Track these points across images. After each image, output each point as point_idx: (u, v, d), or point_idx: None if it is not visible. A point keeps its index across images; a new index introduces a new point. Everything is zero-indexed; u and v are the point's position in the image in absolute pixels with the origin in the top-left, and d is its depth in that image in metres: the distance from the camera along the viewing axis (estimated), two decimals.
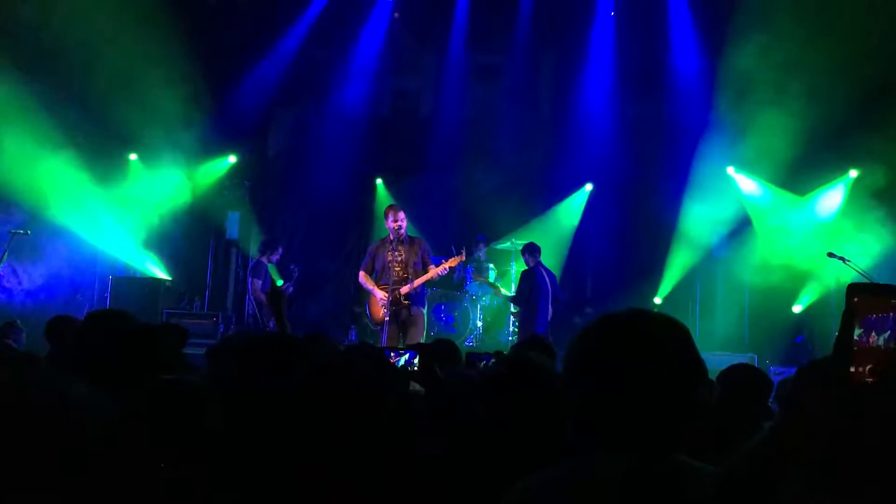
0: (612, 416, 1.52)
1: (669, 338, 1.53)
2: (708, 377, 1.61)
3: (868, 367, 1.18)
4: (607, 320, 1.59)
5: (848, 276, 8.52)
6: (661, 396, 1.48)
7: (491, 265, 11.45)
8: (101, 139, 10.42)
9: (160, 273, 11.40)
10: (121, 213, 11.06)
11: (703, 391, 1.53)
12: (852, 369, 1.19)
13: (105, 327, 3.00)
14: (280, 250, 10.43)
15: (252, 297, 10.31)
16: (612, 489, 1.48)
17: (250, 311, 10.43)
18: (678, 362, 1.50)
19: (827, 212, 11.14)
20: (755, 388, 3.65)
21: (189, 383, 2.17)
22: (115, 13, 9.54)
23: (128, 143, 10.98)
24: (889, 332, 1.19)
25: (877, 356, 1.18)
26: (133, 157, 11.21)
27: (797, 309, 11.23)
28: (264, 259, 10.24)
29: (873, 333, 1.19)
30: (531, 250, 9.82)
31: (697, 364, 1.53)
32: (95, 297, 10.75)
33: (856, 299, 1.21)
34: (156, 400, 2.08)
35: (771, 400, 3.78)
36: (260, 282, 10.12)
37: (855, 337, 1.19)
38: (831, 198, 11.20)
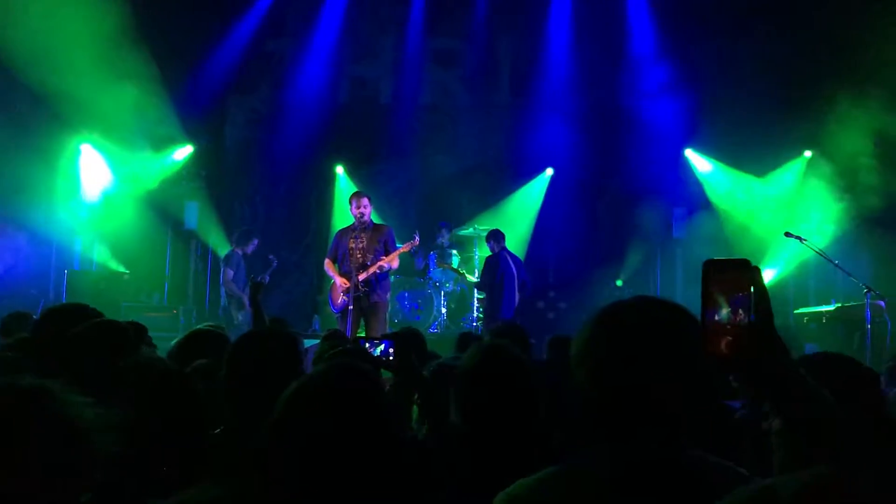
0: (606, 407, 1.50)
1: (661, 327, 1.51)
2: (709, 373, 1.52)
3: (724, 343, 1.25)
4: (611, 308, 1.57)
5: (805, 254, 8.65)
6: (648, 391, 1.46)
7: (454, 251, 11.41)
8: (54, 129, 10.19)
9: (117, 265, 11.19)
10: (74, 205, 10.86)
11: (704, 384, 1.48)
12: (711, 347, 1.25)
13: (65, 323, 2.91)
14: (255, 242, 10.23)
15: (223, 289, 10.10)
16: (609, 482, 1.45)
17: (222, 304, 10.22)
18: (666, 353, 1.47)
19: (783, 192, 11.30)
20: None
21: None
22: (67, 3, 9.31)
23: (81, 134, 10.76)
24: (741, 307, 1.25)
25: (731, 331, 1.24)
26: (86, 147, 10.99)
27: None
28: (238, 250, 10.05)
29: (740, 311, 1.24)
30: (495, 236, 9.77)
31: (691, 354, 1.44)
32: (51, 292, 10.53)
33: (712, 278, 1.25)
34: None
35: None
36: (231, 272, 9.88)
37: (724, 317, 1.24)
38: (787, 178, 11.37)
